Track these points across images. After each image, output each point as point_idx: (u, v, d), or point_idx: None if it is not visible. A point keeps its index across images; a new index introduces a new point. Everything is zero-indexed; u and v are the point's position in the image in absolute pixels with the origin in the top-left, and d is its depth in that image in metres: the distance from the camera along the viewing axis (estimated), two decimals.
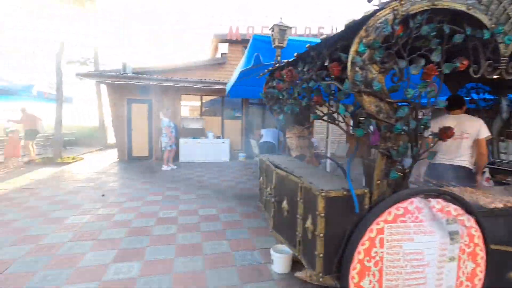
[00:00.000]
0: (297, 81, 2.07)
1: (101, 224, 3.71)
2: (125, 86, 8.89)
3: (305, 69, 1.94)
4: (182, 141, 9.04)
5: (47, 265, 2.65)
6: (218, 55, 13.81)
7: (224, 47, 12.71)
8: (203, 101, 10.55)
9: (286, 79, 2.02)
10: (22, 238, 3.23)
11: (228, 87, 6.04)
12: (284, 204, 2.08)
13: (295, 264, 2.64)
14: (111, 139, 15.59)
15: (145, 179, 6.48)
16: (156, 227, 3.65)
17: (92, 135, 13.78)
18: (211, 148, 9.28)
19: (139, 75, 8.82)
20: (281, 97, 2.44)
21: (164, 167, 7.75)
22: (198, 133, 9.64)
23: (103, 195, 5.04)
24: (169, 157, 7.93)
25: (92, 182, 6.13)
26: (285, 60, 2.46)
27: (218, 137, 9.69)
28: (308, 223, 1.72)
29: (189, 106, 12.86)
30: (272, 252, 2.62)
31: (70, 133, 12.65)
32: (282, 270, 2.59)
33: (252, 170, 7.76)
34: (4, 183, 5.81)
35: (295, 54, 2.06)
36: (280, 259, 2.55)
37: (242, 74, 4.05)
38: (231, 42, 11.63)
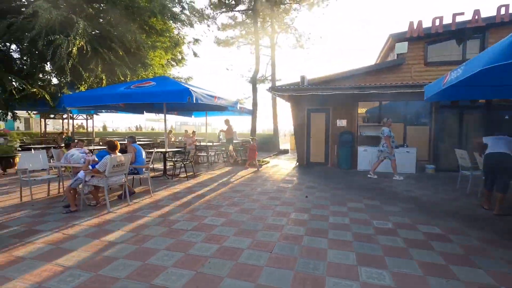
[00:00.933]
0: None
1: (322, 223, 4.00)
2: (305, 97, 9.65)
3: None
4: (360, 149, 8.80)
5: (300, 253, 3.06)
6: (392, 57, 12.71)
7: (401, 47, 11.57)
8: (365, 108, 9.94)
9: None
10: (267, 225, 3.93)
11: (430, 90, 5.28)
12: None
13: None
14: (283, 145, 17.46)
15: (333, 184, 6.68)
16: (379, 236, 3.55)
17: (267, 141, 15.88)
18: None
19: (321, 86, 9.34)
20: None
21: (396, 177, 7.46)
22: (377, 141, 9.09)
23: (306, 197, 5.54)
24: (395, 167, 7.59)
25: (289, 183, 6.92)
26: None
27: (401, 146, 8.78)
28: None
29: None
30: None
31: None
32: None
33: (457, 186, 6.45)
34: (229, 178, 7.51)
35: None
36: None
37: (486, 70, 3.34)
38: (411, 39, 10.39)
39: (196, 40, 12.56)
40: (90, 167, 4.42)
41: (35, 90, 7.73)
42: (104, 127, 26.86)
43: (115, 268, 2.69)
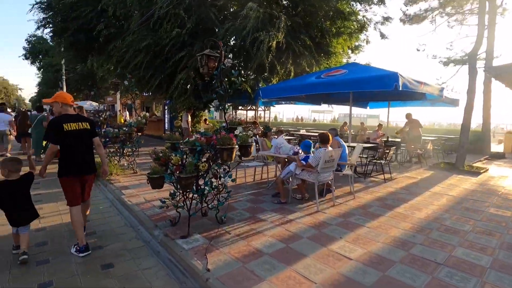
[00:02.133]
0: None
1: None
2: None
3: None
4: None
5: None
6: None
7: None
8: None
9: None
10: None
11: None
12: None
13: None
14: (495, 147, 12.93)
15: None
16: None
17: (474, 140, 11.98)
18: None
19: None
20: None
21: None
22: None
23: None
24: None
25: None
26: None
27: None
28: None
29: None
30: None
31: (453, 137, 11.73)
32: None
33: None
34: (440, 186, 5.79)
35: None
36: None
37: None
38: None
39: (386, 19, 10.85)
40: (302, 161, 4.18)
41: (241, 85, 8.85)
42: (275, 117, 29.68)
43: None
